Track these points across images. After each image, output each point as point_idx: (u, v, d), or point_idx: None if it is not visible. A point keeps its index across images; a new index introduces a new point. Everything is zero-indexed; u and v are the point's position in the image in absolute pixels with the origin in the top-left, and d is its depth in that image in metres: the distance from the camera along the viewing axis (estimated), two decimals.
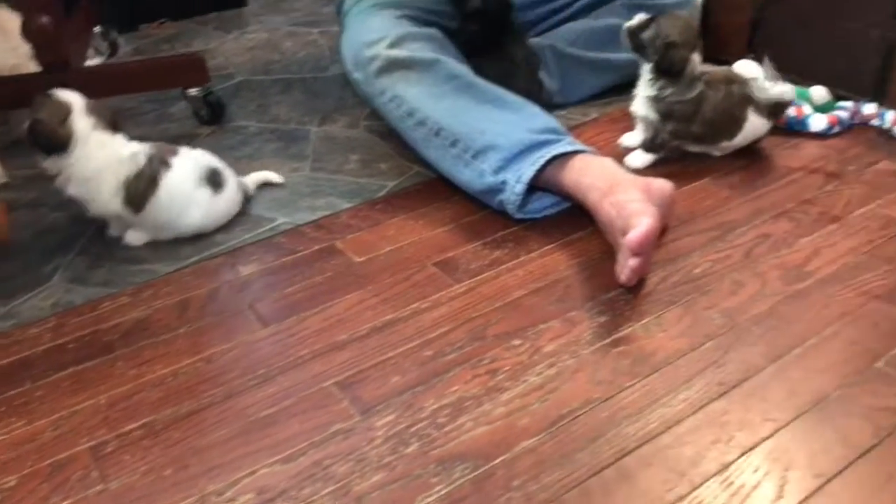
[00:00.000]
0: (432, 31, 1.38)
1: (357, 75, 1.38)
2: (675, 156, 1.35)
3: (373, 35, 1.37)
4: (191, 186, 1.18)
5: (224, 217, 1.23)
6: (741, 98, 1.28)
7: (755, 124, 1.31)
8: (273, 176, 1.34)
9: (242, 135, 1.52)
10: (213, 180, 1.20)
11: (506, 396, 0.89)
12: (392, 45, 1.34)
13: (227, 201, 1.23)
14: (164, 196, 1.16)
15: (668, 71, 1.27)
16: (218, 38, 2.01)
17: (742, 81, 1.30)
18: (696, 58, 1.28)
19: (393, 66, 1.32)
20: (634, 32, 1.29)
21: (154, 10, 2.08)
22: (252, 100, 1.67)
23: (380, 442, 0.84)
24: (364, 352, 0.97)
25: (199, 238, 1.21)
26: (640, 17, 1.29)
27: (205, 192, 1.19)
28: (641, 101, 1.32)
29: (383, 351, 0.97)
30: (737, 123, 1.30)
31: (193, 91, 1.54)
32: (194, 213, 1.19)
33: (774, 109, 1.32)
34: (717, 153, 1.37)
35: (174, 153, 1.19)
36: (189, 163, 1.19)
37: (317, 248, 1.18)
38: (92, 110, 1.14)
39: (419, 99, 1.28)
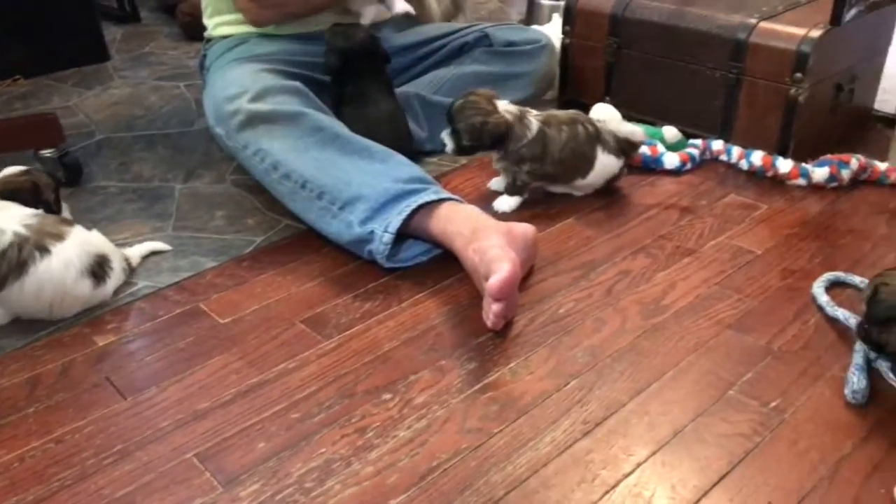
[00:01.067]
0: (296, 83, 1.38)
1: (219, 130, 1.36)
2: (539, 196, 1.39)
3: (234, 89, 1.36)
4: (71, 279, 1.08)
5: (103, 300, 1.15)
6: (588, 137, 1.34)
7: (605, 163, 1.36)
8: (160, 245, 1.27)
9: (102, 195, 1.46)
10: (98, 271, 1.12)
11: (374, 454, 0.88)
12: (254, 99, 1.32)
13: (110, 289, 1.15)
14: (32, 286, 1.06)
15: (498, 140, 1.31)
16: (77, 94, 1.93)
17: (588, 122, 1.36)
18: (501, 107, 1.31)
19: (255, 119, 1.30)
20: (460, 147, 1.33)
21: (7, 68, 1.98)
22: (113, 158, 1.61)
23: None
24: (228, 419, 0.93)
25: None
26: (446, 136, 1.33)
27: (86, 285, 1.10)
28: (493, 156, 1.36)
29: (248, 417, 0.94)
30: (587, 161, 1.35)
31: (47, 152, 1.47)
32: (70, 305, 1.11)
33: (624, 148, 1.38)
34: (578, 193, 1.42)
35: (58, 237, 1.08)
36: (73, 251, 1.08)
37: (179, 311, 1.14)
38: None
39: (283, 152, 1.27)
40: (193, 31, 2.21)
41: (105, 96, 1.92)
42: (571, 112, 1.38)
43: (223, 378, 1.00)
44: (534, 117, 1.33)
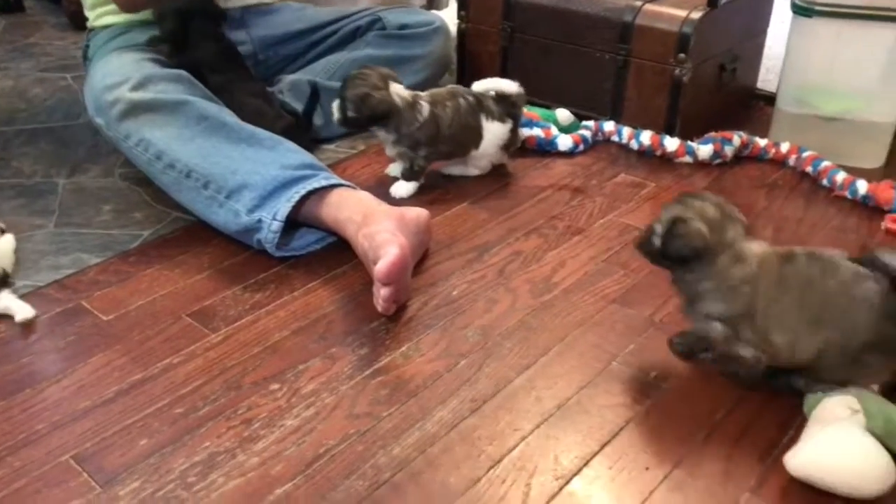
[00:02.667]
0: (180, 71, 1.34)
1: (99, 120, 1.31)
2: (435, 181, 1.40)
3: (114, 78, 1.31)
4: None
5: None
6: (470, 108, 1.35)
7: (492, 130, 1.37)
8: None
9: None
10: None
11: (260, 445, 0.87)
12: (135, 88, 1.28)
13: None
14: None
15: (378, 116, 1.30)
16: None
17: (467, 93, 1.37)
18: (395, 88, 1.31)
19: (137, 108, 1.26)
20: (344, 118, 1.32)
21: None
22: None
23: None
24: (108, 418, 0.91)
25: None
26: (335, 105, 1.32)
27: None
28: (387, 145, 1.36)
29: (129, 414, 0.91)
30: (475, 132, 1.36)
31: None
32: None
33: (508, 111, 1.38)
34: (476, 171, 1.43)
35: None
36: None
37: (59, 309, 1.09)
38: None
39: (166, 141, 1.24)
40: (81, 20, 2.10)
41: None
42: (450, 87, 1.39)
43: (105, 376, 0.97)
44: (424, 100, 1.34)
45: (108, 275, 1.17)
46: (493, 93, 1.37)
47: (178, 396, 0.94)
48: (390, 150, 1.37)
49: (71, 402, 0.93)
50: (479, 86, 1.39)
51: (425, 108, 1.32)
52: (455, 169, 1.43)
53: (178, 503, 0.80)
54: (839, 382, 0.87)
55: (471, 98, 1.36)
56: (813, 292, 0.87)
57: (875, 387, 0.89)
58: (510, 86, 1.37)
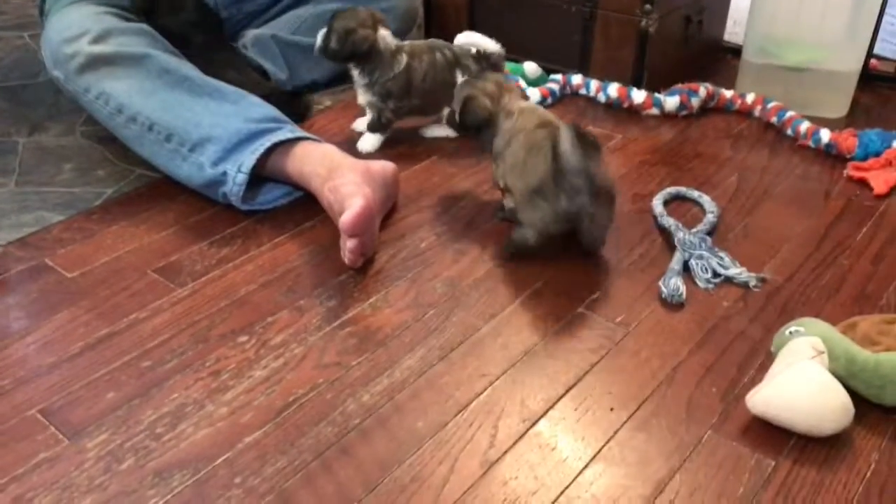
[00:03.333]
0: (141, 24, 1.31)
1: (57, 73, 1.28)
2: (402, 135, 1.39)
3: (73, 31, 1.28)
4: None
5: None
6: (447, 64, 1.34)
7: None
8: None
9: None
10: None
11: (229, 395, 0.87)
12: (95, 41, 1.25)
13: None
14: None
15: (358, 53, 1.29)
16: None
17: (446, 48, 1.35)
18: (383, 33, 1.31)
19: (97, 62, 1.24)
20: (325, 48, 1.31)
21: None
22: None
23: (90, 464, 0.79)
24: (75, 372, 0.90)
25: None
26: (320, 34, 1.31)
27: None
28: (359, 90, 1.34)
29: (96, 369, 0.91)
30: (451, 88, 1.35)
31: None
32: None
33: (486, 67, 1.34)
34: (453, 133, 1.40)
35: None
36: None
37: (22, 267, 1.08)
38: None
39: (128, 95, 1.22)
40: None
41: None
42: (430, 40, 1.38)
43: (70, 332, 0.96)
44: (404, 51, 1.32)
45: (72, 232, 1.16)
46: (473, 50, 1.36)
47: (145, 350, 0.93)
48: (361, 97, 1.35)
49: (36, 358, 0.92)
50: (459, 40, 1.37)
51: (403, 59, 1.31)
52: (433, 130, 1.42)
53: (147, 453, 0.80)
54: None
55: (448, 53, 1.34)
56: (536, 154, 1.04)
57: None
58: (490, 44, 1.34)
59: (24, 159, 1.35)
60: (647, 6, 1.47)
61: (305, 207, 1.20)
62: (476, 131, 1.14)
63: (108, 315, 0.99)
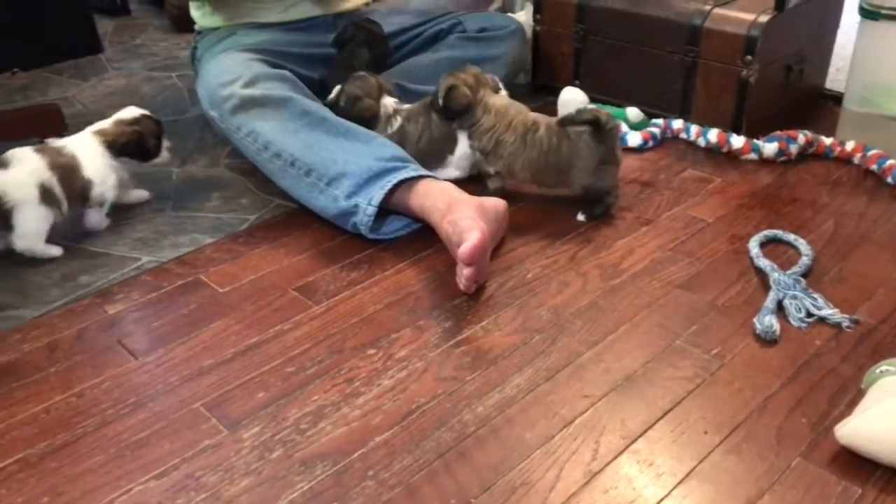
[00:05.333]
0: (284, 72, 1.49)
1: (213, 113, 1.46)
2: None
3: (228, 76, 1.46)
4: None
5: None
6: (441, 120, 1.43)
7: (463, 143, 1.44)
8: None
9: None
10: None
11: (361, 400, 1.00)
12: (247, 85, 1.43)
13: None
14: None
15: (363, 118, 1.44)
16: (74, 86, 2.03)
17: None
18: (386, 101, 1.46)
19: (248, 103, 1.41)
20: (336, 104, 1.46)
21: (5, 60, 2.07)
22: None
23: (246, 451, 0.93)
24: (230, 373, 1.05)
25: (64, 281, 1.25)
26: (335, 90, 1.48)
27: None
28: None
29: (248, 371, 1.05)
30: (451, 138, 1.44)
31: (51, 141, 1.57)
32: None
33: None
34: (456, 174, 1.47)
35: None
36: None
37: (181, 282, 1.25)
38: None
39: (274, 133, 1.38)
40: (182, 23, 2.30)
41: (101, 87, 2.02)
42: (426, 99, 1.47)
43: (224, 339, 1.11)
44: (401, 115, 1.45)
45: (222, 253, 1.32)
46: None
47: (289, 357, 1.07)
48: None
49: (197, 360, 1.08)
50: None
51: (396, 123, 1.45)
52: (438, 173, 1.45)
53: (293, 445, 0.93)
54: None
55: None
56: (552, 153, 1.35)
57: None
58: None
59: (178, 187, 1.54)
60: (749, 57, 1.55)
61: (423, 238, 1.33)
62: (456, 116, 1.39)
63: (255, 326, 1.14)
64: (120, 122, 1.39)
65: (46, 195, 1.28)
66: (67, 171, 1.31)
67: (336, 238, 1.35)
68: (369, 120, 1.45)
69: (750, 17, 1.55)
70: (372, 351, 1.08)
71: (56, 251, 1.31)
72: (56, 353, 1.10)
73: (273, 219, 1.42)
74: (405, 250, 1.32)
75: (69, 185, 1.31)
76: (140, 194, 1.47)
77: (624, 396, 0.99)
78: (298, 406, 0.99)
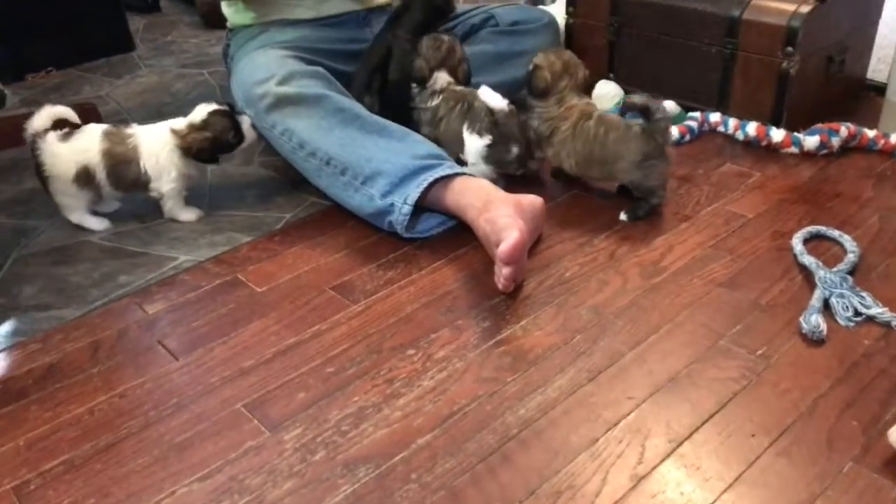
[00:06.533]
0: (318, 69, 1.48)
1: (248, 110, 1.46)
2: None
3: (262, 74, 1.46)
4: None
5: None
6: (460, 114, 1.42)
7: (471, 141, 1.39)
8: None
9: None
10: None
11: (402, 401, 0.99)
12: (281, 83, 1.42)
13: None
14: None
15: (414, 78, 1.48)
16: (108, 84, 2.04)
17: (472, 97, 1.41)
18: (438, 74, 1.46)
19: (283, 101, 1.41)
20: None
21: (39, 60, 2.09)
22: None
23: (289, 453, 0.92)
24: (270, 374, 1.05)
25: (104, 281, 1.26)
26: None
27: None
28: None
29: (287, 372, 1.05)
30: (459, 138, 1.41)
31: None
32: None
33: (490, 123, 1.37)
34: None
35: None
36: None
37: (219, 282, 1.25)
38: None
39: (309, 131, 1.38)
40: (213, 19, 2.31)
41: (134, 85, 2.03)
42: (466, 89, 1.46)
43: (263, 339, 1.11)
44: (441, 96, 1.44)
45: (258, 252, 1.32)
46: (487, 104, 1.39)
47: (328, 358, 1.07)
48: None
49: (237, 361, 1.08)
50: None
51: (435, 101, 1.45)
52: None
53: (336, 447, 0.93)
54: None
55: (465, 105, 1.41)
56: (598, 144, 1.34)
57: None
58: (497, 101, 1.35)
59: (213, 185, 1.54)
60: (789, 48, 1.51)
61: (458, 236, 1.32)
62: (535, 96, 1.39)
63: (294, 326, 1.14)
64: (192, 127, 1.38)
65: (82, 176, 1.33)
66: (120, 159, 1.35)
67: (371, 236, 1.35)
68: (421, 81, 1.46)
69: (791, 7, 1.52)
70: (411, 351, 1.08)
71: (97, 223, 1.40)
72: (98, 354, 1.11)
73: (308, 217, 1.42)
74: (441, 248, 1.31)
75: (117, 173, 1.35)
76: (188, 215, 1.43)
77: (668, 398, 0.98)
78: (339, 407, 0.99)
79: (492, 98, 1.37)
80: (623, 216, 1.36)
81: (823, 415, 0.94)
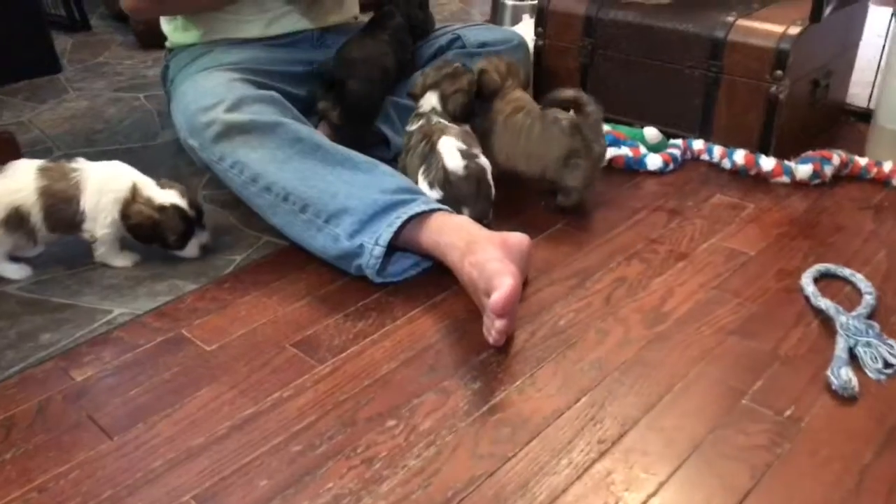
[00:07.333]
0: (271, 93, 1.32)
1: (192, 142, 1.29)
2: (529, 202, 1.36)
3: (208, 99, 1.29)
4: None
5: None
6: (420, 155, 1.28)
7: (424, 188, 1.25)
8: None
9: None
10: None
11: (385, 487, 0.83)
12: (230, 109, 1.26)
13: None
14: None
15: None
16: (30, 109, 1.84)
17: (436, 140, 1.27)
18: (428, 95, 1.36)
19: (232, 130, 1.24)
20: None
21: None
22: None
23: None
24: (224, 455, 0.88)
25: (22, 341, 1.07)
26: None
27: None
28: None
29: (246, 452, 0.88)
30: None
31: None
32: None
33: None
34: None
35: None
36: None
37: (161, 339, 1.07)
38: None
39: (262, 164, 1.21)
40: (150, 39, 2.13)
41: (60, 110, 1.83)
42: (442, 124, 1.31)
43: (215, 410, 0.94)
44: (419, 122, 1.32)
45: (206, 302, 1.15)
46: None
47: (293, 433, 0.91)
48: None
49: (185, 439, 0.90)
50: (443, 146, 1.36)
51: (415, 126, 1.33)
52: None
53: None
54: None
55: (429, 146, 1.26)
56: (524, 136, 1.30)
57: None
58: (452, 160, 1.22)
59: None
60: (779, 72, 1.42)
61: (435, 279, 1.18)
62: (484, 99, 1.37)
63: (250, 393, 0.97)
64: (149, 202, 1.19)
65: (13, 219, 1.15)
66: (60, 197, 1.17)
67: (336, 281, 1.19)
68: (412, 97, 1.40)
69: (779, 28, 1.43)
70: (392, 422, 0.92)
71: (15, 271, 1.21)
72: (13, 434, 0.92)
73: (262, 259, 1.25)
74: (417, 294, 1.16)
75: (56, 214, 1.17)
76: (124, 261, 1.24)
77: (695, 473, 0.85)
78: (310, 497, 0.82)
79: (448, 155, 1.22)
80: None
81: (873, 490, 0.82)
